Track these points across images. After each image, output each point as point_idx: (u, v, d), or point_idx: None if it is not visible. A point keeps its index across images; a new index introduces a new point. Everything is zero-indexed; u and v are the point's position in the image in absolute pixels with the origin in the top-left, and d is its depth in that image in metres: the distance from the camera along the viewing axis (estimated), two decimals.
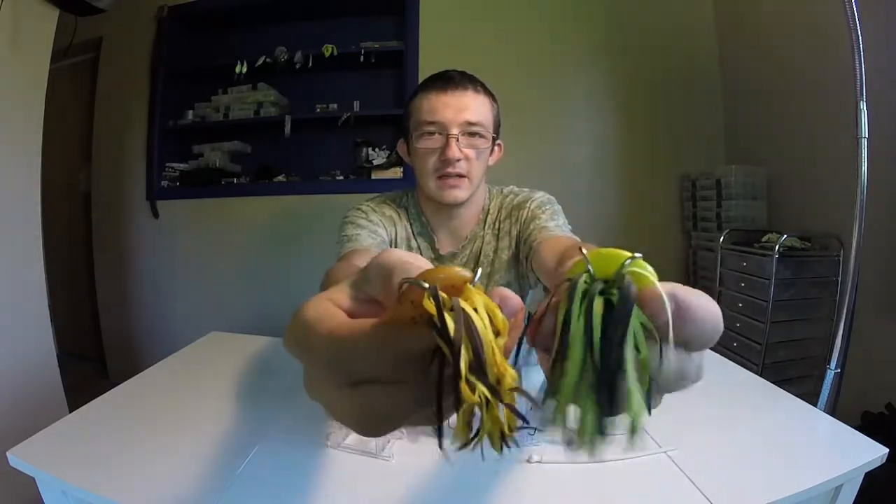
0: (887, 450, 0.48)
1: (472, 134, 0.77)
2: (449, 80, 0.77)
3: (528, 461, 0.47)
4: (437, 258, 0.88)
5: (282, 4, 2.20)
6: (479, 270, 0.21)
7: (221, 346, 0.85)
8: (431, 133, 0.77)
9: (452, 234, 0.88)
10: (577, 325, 0.18)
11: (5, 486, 1.03)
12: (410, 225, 0.89)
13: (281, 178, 2.25)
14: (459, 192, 0.79)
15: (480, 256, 0.88)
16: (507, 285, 0.87)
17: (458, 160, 0.76)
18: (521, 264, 0.85)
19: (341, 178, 2.21)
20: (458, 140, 0.75)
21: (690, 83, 2.19)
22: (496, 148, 0.85)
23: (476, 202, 0.87)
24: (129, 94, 2.29)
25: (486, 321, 0.18)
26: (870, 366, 1.36)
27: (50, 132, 1.34)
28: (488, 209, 0.90)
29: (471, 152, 0.77)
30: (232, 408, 0.59)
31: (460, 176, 0.77)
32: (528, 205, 0.85)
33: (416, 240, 0.88)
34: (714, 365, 0.77)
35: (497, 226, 0.88)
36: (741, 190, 1.88)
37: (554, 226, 0.79)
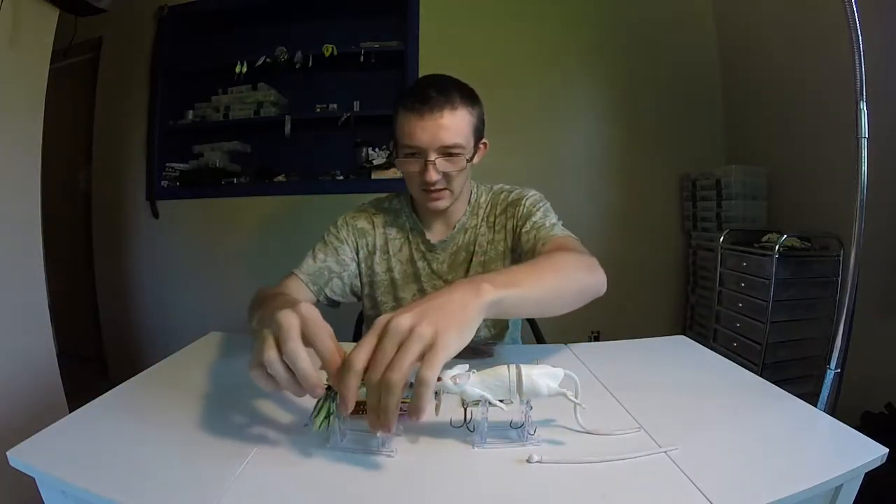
0: (887, 450, 0.48)
1: (449, 154, 0.81)
2: (425, 101, 0.78)
3: (528, 461, 0.47)
4: (429, 249, 0.96)
5: (282, 4, 2.20)
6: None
7: (221, 346, 0.85)
8: (412, 154, 0.82)
9: (443, 223, 0.97)
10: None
11: (5, 486, 1.03)
12: (406, 222, 0.98)
13: (281, 178, 2.25)
14: (441, 203, 0.87)
15: (475, 246, 0.96)
16: None
17: (437, 180, 0.82)
18: (516, 256, 0.93)
19: (341, 178, 2.21)
20: (435, 164, 0.80)
21: (690, 83, 2.19)
22: (481, 147, 0.90)
23: (462, 197, 0.95)
24: (129, 94, 2.29)
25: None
26: (870, 366, 1.37)
27: (50, 132, 1.34)
28: (479, 202, 0.98)
29: (449, 168, 0.82)
30: (232, 408, 0.59)
31: (442, 189, 0.85)
32: (523, 202, 0.93)
33: (409, 234, 0.97)
34: (714, 365, 0.77)
35: (493, 220, 0.96)
36: (741, 190, 1.88)
37: (550, 224, 0.87)
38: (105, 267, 2.39)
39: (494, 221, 0.95)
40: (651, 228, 2.21)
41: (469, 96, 0.84)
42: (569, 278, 0.65)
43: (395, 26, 2.19)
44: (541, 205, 0.92)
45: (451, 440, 0.51)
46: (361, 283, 0.98)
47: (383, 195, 1.04)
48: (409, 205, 0.98)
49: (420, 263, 0.96)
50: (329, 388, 0.47)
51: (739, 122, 2.13)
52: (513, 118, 2.15)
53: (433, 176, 0.80)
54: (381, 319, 0.45)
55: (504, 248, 0.94)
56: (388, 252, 0.97)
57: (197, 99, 2.30)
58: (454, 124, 0.80)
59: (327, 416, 0.47)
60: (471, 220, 0.97)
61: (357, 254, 0.96)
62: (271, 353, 0.44)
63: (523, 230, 0.88)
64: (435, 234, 0.97)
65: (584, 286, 0.67)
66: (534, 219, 0.88)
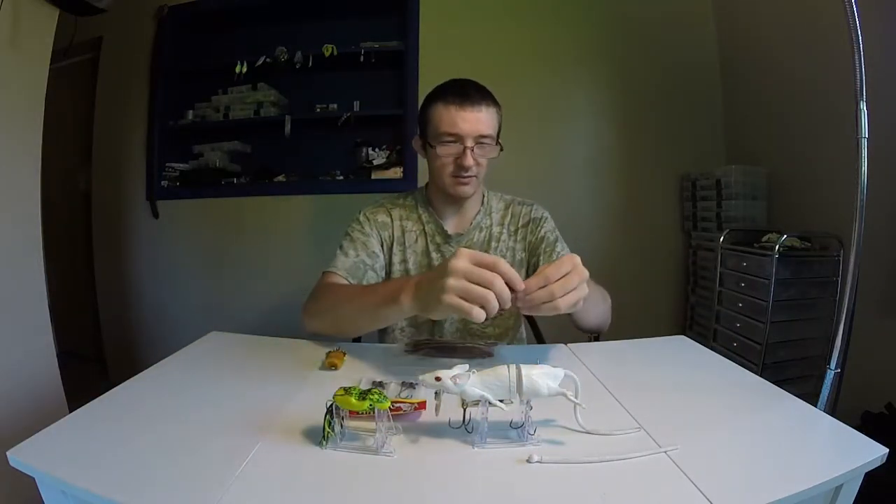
0: (887, 450, 0.48)
1: (483, 144, 0.92)
2: (466, 96, 0.90)
3: (528, 461, 0.47)
4: (445, 240, 1.02)
5: (282, 4, 2.20)
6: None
7: (221, 346, 0.85)
8: (450, 142, 0.91)
9: (459, 218, 1.04)
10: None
11: (5, 486, 1.03)
12: (420, 216, 1.03)
13: (281, 178, 2.25)
14: (468, 189, 0.95)
15: (490, 242, 1.04)
16: None
17: (471, 165, 0.91)
18: (530, 271, 1.04)
19: (341, 178, 2.21)
20: (472, 150, 0.90)
21: (690, 83, 2.19)
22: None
23: (477, 193, 1.03)
24: (129, 94, 2.29)
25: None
26: (870, 366, 1.36)
27: (50, 132, 1.34)
28: (490, 205, 1.06)
29: (482, 159, 0.93)
30: (232, 408, 0.59)
31: (470, 176, 0.93)
32: (542, 224, 1.03)
33: (426, 227, 1.03)
34: (714, 365, 0.77)
35: (514, 229, 1.05)
36: (741, 190, 1.88)
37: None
38: (105, 267, 2.38)
39: (516, 231, 1.05)
40: (651, 228, 2.21)
41: (495, 100, 0.95)
42: (604, 305, 0.85)
43: (395, 26, 2.19)
44: (556, 231, 1.03)
45: (450, 440, 0.51)
46: (387, 273, 1.03)
47: (395, 194, 1.08)
48: (424, 200, 1.04)
49: (434, 255, 1.01)
50: (329, 408, 0.49)
51: (739, 122, 2.13)
52: (513, 118, 2.11)
53: (470, 160, 0.90)
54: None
55: (522, 258, 1.04)
56: (405, 244, 1.02)
57: (197, 99, 2.30)
58: (488, 118, 0.91)
59: (330, 427, 0.49)
60: (484, 219, 1.04)
61: (382, 246, 1.01)
62: (475, 288, 0.56)
63: (547, 260, 1.00)
64: (451, 227, 1.03)
65: (606, 318, 0.88)
66: (559, 251, 1.00)
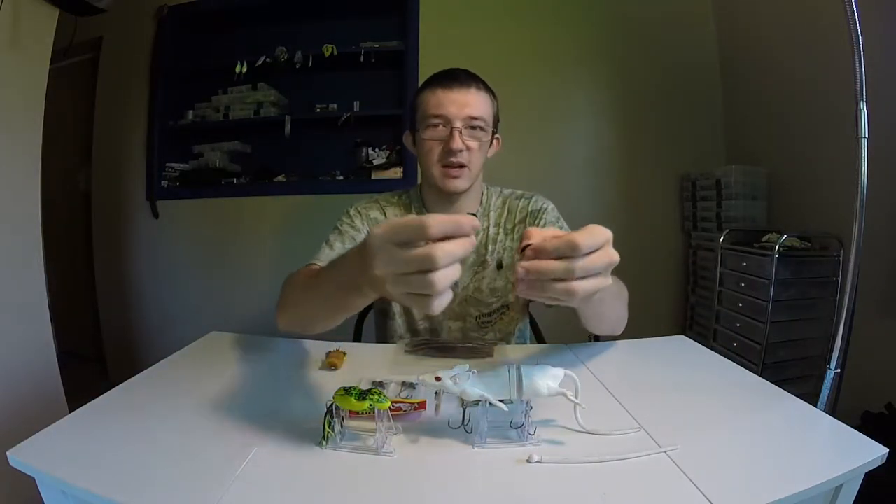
0: (887, 450, 0.48)
1: (474, 127, 0.85)
2: (454, 77, 0.85)
3: (528, 461, 0.47)
4: None
5: (282, 4, 2.20)
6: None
7: (221, 346, 0.85)
8: (437, 125, 0.85)
9: None
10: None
11: (5, 486, 1.03)
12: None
13: (281, 178, 2.25)
14: (460, 182, 0.88)
15: (487, 245, 0.97)
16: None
17: (461, 151, 0.84)
18: None
19: (341, 178, 2.21)
20: (461, 132, 0.84)
21: (690, 83, 2.19)
22: (494, 141, 0.93)
23: (474, 191, 0.96)
24: (129, 94, 2.29)
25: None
26: (870, 366, 1.36)
27: (50, 132, 1.34)
28: (489, 204, 0.99)
29: (472, 144, 0.86)
30: (232, 408, 0.59)
31: (461, 166, 0.86)
32: (542, 216, 0.95)
33: None
34: (714, 365, 0.77)
35: (511, 227, 0.97)
36: (741, 190, 1.88)
37: None
38: (105, 267, 2.38)
39: (513, 228, 0.97)
40: (651, 228, 2.20)
41: (490, 88, 0.90)
42: (622, 306, 0.74)
43: (395, 26, 2.19)
44: (560, 222, 0.95)
45: (450, 440, 0.51)
46: None
47: (390, 192, 1.04)
48: (419, 199, 0.99)
49: None
50: (329, 408, 0.49)
51: (739, 122, 2.13)
52: (512, 118, 2.12)
53: (458, 143, 0.83)
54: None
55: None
56: None
57: (197, 99, 2.30)
58: (478, 101, 0.86)
59: (330, 427, 0.49)
60: (482, 221, 0.98)
61: None
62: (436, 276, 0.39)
63: None
64: None
65: (621, 322, 0.76)
66: None
